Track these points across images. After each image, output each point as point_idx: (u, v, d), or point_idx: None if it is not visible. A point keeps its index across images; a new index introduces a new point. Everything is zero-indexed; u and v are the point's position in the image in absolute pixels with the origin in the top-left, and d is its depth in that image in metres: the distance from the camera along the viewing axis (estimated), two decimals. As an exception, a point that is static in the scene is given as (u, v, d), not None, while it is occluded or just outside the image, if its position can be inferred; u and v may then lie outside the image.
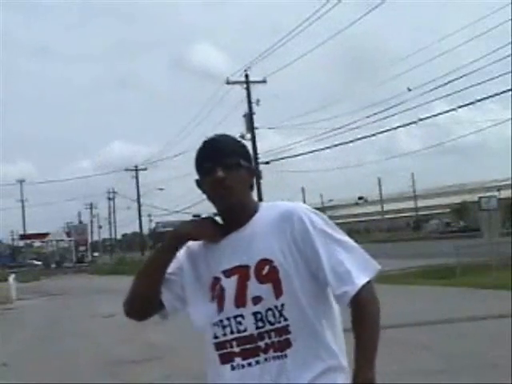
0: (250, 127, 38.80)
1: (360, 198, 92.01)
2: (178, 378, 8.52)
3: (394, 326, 11.41)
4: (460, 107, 28.05)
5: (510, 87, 23.80)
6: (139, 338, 12.73)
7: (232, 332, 2.06)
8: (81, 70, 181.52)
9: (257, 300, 2.04)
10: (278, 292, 2.03)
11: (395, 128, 33.92)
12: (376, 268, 2.12)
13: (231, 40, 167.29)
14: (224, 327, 2.07)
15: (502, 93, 24.86)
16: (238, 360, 2.05)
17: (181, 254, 2.21)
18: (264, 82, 39.22)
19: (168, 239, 2.20)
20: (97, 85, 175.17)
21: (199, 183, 2.19)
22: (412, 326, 11.36)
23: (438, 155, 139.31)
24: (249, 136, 38.75)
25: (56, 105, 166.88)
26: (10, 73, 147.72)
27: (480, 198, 22.17)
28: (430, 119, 31.47)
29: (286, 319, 2.03)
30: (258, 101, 38.63)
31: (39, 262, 79.22)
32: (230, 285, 2.08)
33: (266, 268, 2.05)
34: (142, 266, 2.29)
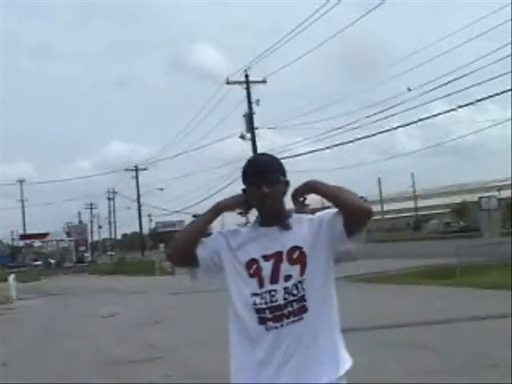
0: (250, 127, 38.79)
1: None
2: (178, 378, 8.52)
3: (394, 326, 11.41)
4: (460, 107, 28.04)
5: (509, 87, 23.82)
6: (139, 337, 12.74)
7: (266, 302, 2.68)
8: (81, 69, 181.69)
9: (288, 278, 2.68)
10: (302, 271, 2.69)
11: (395, 128, 33.92)
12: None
13: (231, 40, 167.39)
14: (262, 298, 2.68)
15: (502, 93, 24.86)
16: (270, 323, 2.67)
17: (221, 234, 2.84)
18: (264, 82, 39.22)
19: (211, 208, 2.86)
20: (97, 85, 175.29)
21: (245, 192, 2.81)
22: (412, 326, 11.36)
23: (438, 155, 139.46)
24: (249, 136, 38.76)
25: (56, 105, 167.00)
26: (10, 73, 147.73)
27: (480, 197, 22.23)
28: (430, 119, 31.47)
29: (303, 289, 2.67)
30: (257, 101, 38.66)
31: (39, 262, 79.11)
32: (267, 266, 2.70)
33: (297, 253, 2.71)
34: (188, 224, 2.97)
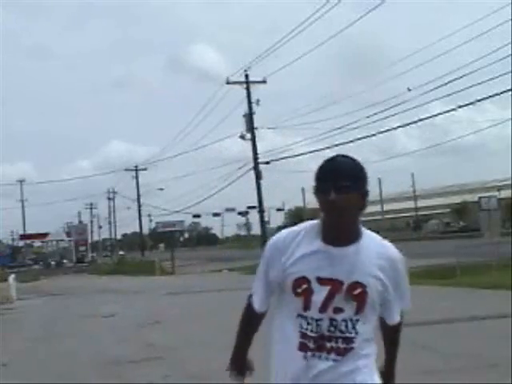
0: (250, 127, 38.81)
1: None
2: (178, 378, 8.51)
3: (393, 326, 11.40)
4: (460, 107, 28.08)
5: (509, 87, 23.82)
6: (139, 337, 12.72)
7: (312, 331, 2.44)
8: (81, 70, 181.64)
9: (337, 310, 2.43)
10: (359, 310, 2.44)
11: (395, 128, 33.95)
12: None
13: (230, 40, 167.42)
14: (308, 323, 2.45)
15: (502, 93, 24.87)
16: (309, 353, 2.45)
17: (276, 250, 2.54)
18: (264, 82, 39.24)
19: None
20: (97, 85, 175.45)
21: (314, 192, 2.47)
22: (412, 325, 11.34)
23: (438, 155, 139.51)
24: (249, 136, 38.78)
25: (56, 105, 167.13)
26: (10, 73, 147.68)
27: (480, 197, 22.22)
28: (430, 119, 31.50)
29: (356, 332, 2.45)
30: (257, 101, 38.67)
31: (37, 266, 78.86)
32: (320, 291, 2.42)
33: (358, 290, 2.42)
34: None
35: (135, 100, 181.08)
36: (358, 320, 2.43)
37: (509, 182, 65.92)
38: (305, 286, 2.42)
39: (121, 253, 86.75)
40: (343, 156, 2.47)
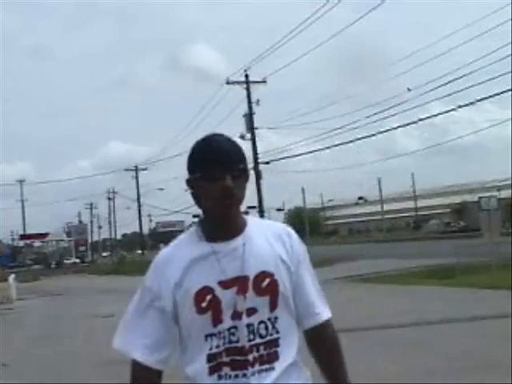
0: (250, 127, 38.79)
1: (360, 198, 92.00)
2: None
3: (393, 326, 11.41)
4: (460, 107, 28.08)
5: (509, 87, 23.81)
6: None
7: (224, 343, 2.00)
8: (81, 69, 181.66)
9: (251, 312, 2.01)
10: (272, 305, 2.04)
11: (395, 128, 33.95)
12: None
13: (230, 40, 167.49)
14: (218, 339, 2.01)
15: (501, 93, 24.87)
16: (226, 369, 2.01)
17: (154, 282, 2.07)
18: (264, 82, 39.22)
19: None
20: (97, 85, 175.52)
21: (191, 183, 2.10)
22: (412, 325, 11.35)
23: (438, 155, 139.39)
24: (249, 136, 38.76)
25: (56, 105, 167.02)
26: (10, 73, 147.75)
27: (480, 197, 22.18)
28: (429, 119, 31.50)
29: (277, 332, 2.04)
30: (258, 101, 38.66)
31: (36, 264, 78.94)
32: (228, 296, 2.00)
33: (267, 280, 2.04)
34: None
35: (135, 100, 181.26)
36: (276, 318, 2.04)
37: (509, 182, 65.91)
38: (209, 297, 2.00)
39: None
40: (222, 136, 2.12)
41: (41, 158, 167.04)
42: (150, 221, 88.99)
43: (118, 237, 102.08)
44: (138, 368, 2.20)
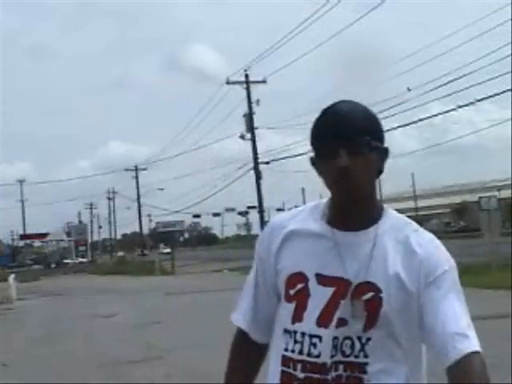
0: (250, 127, 38.82)
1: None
2: (178, 378, 8.52)
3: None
4: (460, 107, 28.08)
5: (509, 87, 23.82)
6: (139, 338, 12.73)
7: (301, 352, 1.66)
8: (81, 69, 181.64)
9: (342, 322, 1.64)
10: (369, 324, 1.64)
11: (395, 128, 33.92)
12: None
13: (230, 41, 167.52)
14: (295, 342, 1.68)
15: (501, 93, 24.88)
16: None
17: (261, 242, 1.83)
18: (264, 82, 39.26)
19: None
20: (97, 84, 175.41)
21: (315, 162, 1.72)
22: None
23: (438, 155, 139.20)
24: (249, 136, 38.79)
25: (56, 105, 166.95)
26: (9, 72, 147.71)
27: (480, 197, 22.21)
28: (429, 119, 31.50)
29: (366, 356, 1.64)
30: (258, 101, 38.69)
31: (36, 264, 78.90)
32: (321, 295, 1.67)
33: (370, 294, 1.65)
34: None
35: (135, 100, 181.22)
36: (368, 339, 1.63)
37: (509, 182, 65.89)
38: (300, 286, 1.69)
39: (132, 253, 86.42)
40: (347, 102, 1.73)
41: (41, 158, 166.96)
42: (150, 221, 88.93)
43: (118, 237, 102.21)
44: (237, 335, 1.90)
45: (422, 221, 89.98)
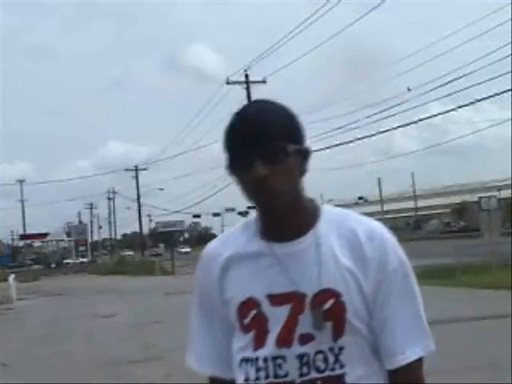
0: (250, 127, 38.81)
1: (360, 198, 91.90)
2: (178, 378, 8.52)
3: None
4: (460, 107, 28.06)
5: (509, 87, 23.81)
6: (139, 337, 12.73)
7: (267, 376, 1.56)
8: (81, 69, 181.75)
9: (306, 339, 1.54)
10: (337, 332, 1.55)
11: (395, 128, 33.91)
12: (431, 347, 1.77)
13: (229, 41, 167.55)
14: (258, 369, 1.57)
15: (501, 93, 24.87)
16: None
17: (199, 280, 1.71)
18: (264, 82, 39.22)
19: None
20: (97, 85, 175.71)
21: (231, 171, 1.57)
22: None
23: (438, 155, 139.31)
24: (249, 136, 38.77)
25: (56, 105, 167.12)
26: (9, 72, 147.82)
27: (480, 197, 22.20)
28: (429, 119, 31.48)
29: (342, 366, 1.55)
30: (258, 101, 38.66)
31: (36, 264, 78.89)
32: (278, 316, 1.55)
33: (330, 302, 1.54)
34: None
35: (135, 100, 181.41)
36: (341, 348, 1.54)
37: (509, 182, 65.89)
38: (254, 313, 1.57)
39: (129, 253, 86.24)
40: (259, 102, 1.60)
41: (41, 158, 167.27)
42: (150, 221, 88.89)
43: (118, 237, 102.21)
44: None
45: (421, 221, 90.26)
